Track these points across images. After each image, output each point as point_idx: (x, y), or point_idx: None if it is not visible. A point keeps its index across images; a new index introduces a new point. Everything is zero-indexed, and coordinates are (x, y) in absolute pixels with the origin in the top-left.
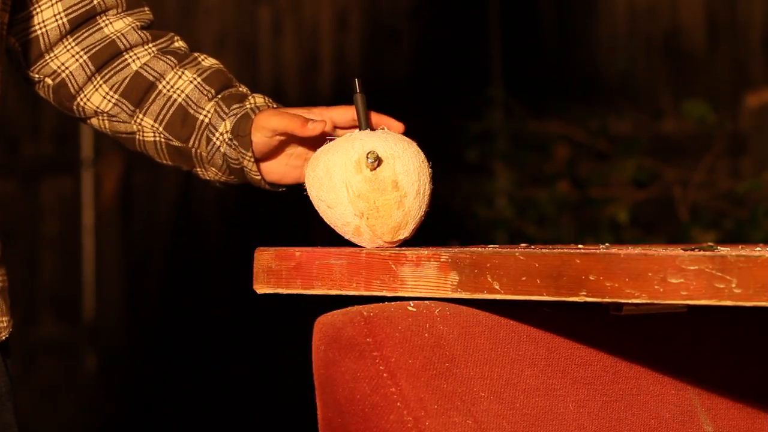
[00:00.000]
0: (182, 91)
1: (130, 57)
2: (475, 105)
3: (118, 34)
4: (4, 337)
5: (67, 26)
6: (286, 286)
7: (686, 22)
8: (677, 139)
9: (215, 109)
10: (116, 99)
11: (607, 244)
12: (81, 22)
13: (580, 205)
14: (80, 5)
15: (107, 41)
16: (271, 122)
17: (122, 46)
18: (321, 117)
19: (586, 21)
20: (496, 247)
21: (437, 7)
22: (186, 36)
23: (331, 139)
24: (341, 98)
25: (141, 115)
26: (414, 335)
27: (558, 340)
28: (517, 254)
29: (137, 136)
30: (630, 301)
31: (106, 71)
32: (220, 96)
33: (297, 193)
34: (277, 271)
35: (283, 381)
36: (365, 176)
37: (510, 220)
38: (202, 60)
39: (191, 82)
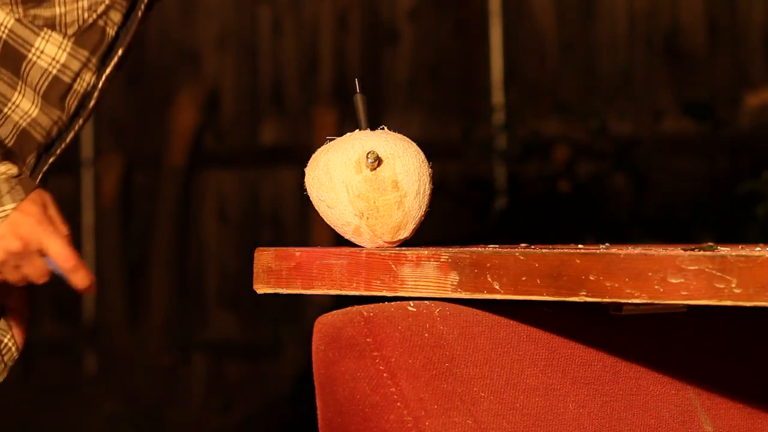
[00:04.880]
0: None
1: None
2: (476, 106)
3: None
4: None
5: None
6: (286, 286)
7: (686, 22)
8: (677, 139)
9: None
10: None
11: (607, 244)
12: None
13: (580, 205)
14: None
15: None
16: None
17: None
18: None
19: (586, 21)
20: (496, 247)
21: (437, 7)
22: (186, 36)
23: (331, 139)
24: (341, 98)
25: None
26: (414, 335)
27: (558, 340)
28: (517, 254)
29: None
30: (630, 301)
31: None
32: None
33: (297, 193)
34: (277, 271)
35: (283, 381)
36: (365, 176)
37: None
38: None
39: None
